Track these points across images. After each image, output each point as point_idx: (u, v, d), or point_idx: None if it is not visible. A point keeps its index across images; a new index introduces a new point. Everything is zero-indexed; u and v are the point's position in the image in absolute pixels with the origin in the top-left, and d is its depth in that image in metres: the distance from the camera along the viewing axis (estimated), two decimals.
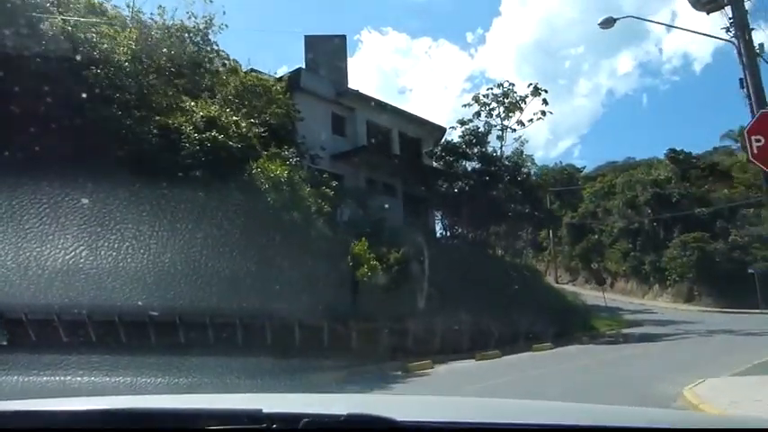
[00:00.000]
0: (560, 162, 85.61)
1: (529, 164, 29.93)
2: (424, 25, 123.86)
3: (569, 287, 53.92)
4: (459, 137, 28.44)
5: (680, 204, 47.49)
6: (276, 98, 21.71)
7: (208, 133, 14.19)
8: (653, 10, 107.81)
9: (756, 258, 40.43)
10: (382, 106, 30.79)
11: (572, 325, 26.92)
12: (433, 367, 14.99)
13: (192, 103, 15.53)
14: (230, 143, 14.52)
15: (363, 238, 17.92)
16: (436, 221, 33.18)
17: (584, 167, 72.42)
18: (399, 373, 14.40)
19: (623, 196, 52.23)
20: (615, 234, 53.22)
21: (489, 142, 29.05)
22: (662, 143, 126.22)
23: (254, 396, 2.58)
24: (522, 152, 29.81)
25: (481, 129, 28.58)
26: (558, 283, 54.67)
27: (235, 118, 16.28)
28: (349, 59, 32.26)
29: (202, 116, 14.79)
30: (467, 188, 26.73)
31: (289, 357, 12.62)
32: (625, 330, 27.66)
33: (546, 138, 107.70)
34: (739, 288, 39.62)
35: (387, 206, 28.06)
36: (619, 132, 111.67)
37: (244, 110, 18.32)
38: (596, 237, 56.55)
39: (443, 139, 29.06)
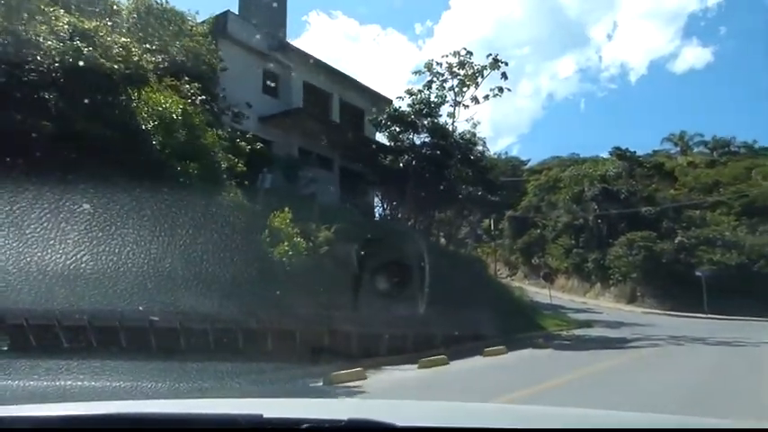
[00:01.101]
0: (505, 153, 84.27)
1: (481, 146, 26.79)
2: (373, 12, 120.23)
3: (510, 282, 51.95)
4: (409, 106, 24.99)
5: (627, 202, 45.93)
6: (191, 34, 17.59)
7: (71, 43, 10.11)
8: (595, 18, 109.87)
9: (702, 261, 39.10)
10: (323, 67, 26.97)
11: (520, 324, 24.20)
12: (365, 377, 11.51)
13: (61, 11, 11.31)
14: (106, 64, 10.49)
15: (287, 209, 14.21)
16: (377, 202, 29.74)
17: (528, 160, 70.86)
18: (320, 384, 10.84)
19: (570, 190, 50.40)
20: (559, 229, 51.39)
21: (441, 115, 25.75)
22: (603, 146, 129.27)
23: (254, 401, 2.74)
24: (474, 133, 26.70)
25: (434, 99, 25.18)
26: (496, 276, 52.57)
27: (124, 39, 12.22)
28: (295, 41, 28.18)
29: (69, 23, 10.66)
30: (413, 162, 23.35)
31: (174, 359, 8.95)
32: (577, 332, 25.11)
33: (487, 135, 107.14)
34: (684, 291, 38.18)
35: (319, 179, 24.53)
36: (558, 135, 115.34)
37: (140, 34, 14.17)
38: (539, 231, 54.72)
39: (390, 107, 25.48)
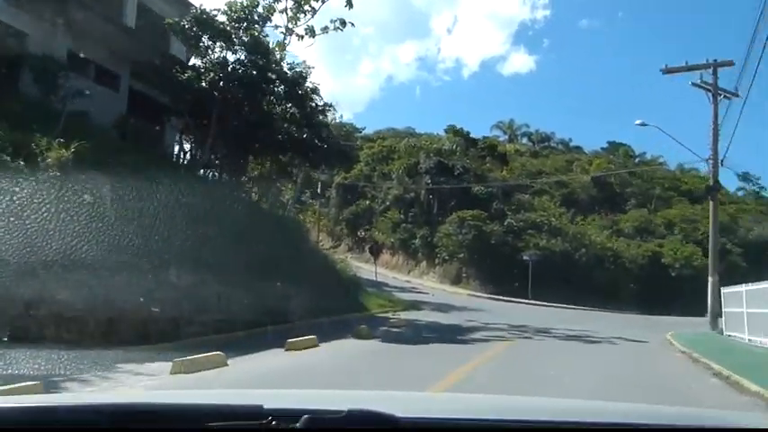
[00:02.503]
0: (340, 117, 79.91)
1: (311, 84, 21.42)
2: None
3: (339, 256, 47.76)
4: (223, 13, 18.87)
5: (461, 179, 43.75)
6: None
7: None
8: (438, 11, 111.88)
9: (529, 245, 37.91)
10: None
11: (341, 304, 19.79)
12: None
13: None
14: None
15: None
16: (176, 140, 23.36)
17: (363, 128, 67.13)
18: None
19: (404, 162, 47.25)
20: (388, 202, 48.19)
21: (267, 35, 20.05)
22: (438, 128, 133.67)
23: (254, 392, 2.78)
24: (307, 68, 21.31)
25: (260, 9, 19.37)
26: (319, 247, 48.18)
27: None
28: None
29: None
30: (221, 83, 17.52)
31: None
32: (404, 315, 21.20)
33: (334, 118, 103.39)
34: (510, 275, 36.70)
35: (96, 97, 17.95)
36: (393, 118, 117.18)
37: None
38: (368, 202, 51.23)
39: (198, 9, 19.12)
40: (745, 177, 73.22)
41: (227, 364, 9.06)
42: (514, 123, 74.75)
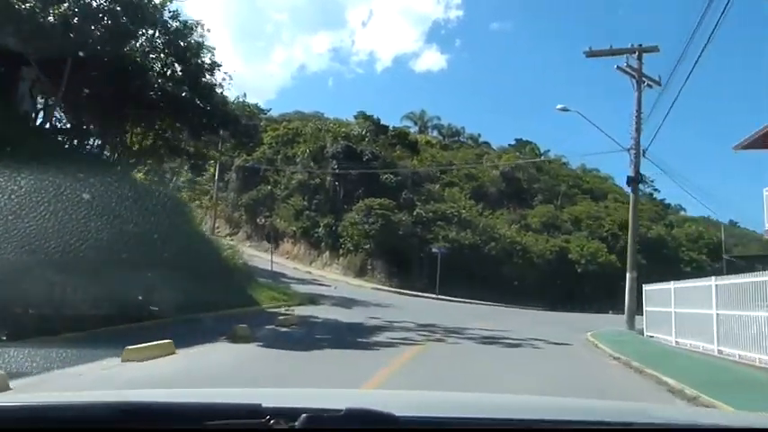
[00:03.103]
0: (243, 96, 75.44)
1: (198, 40, 18.03)
2: None
3: (228, 241, 44.04)
4: None
5: (369, 166, 41.34)
6: None
7: None
8: (352, 2, 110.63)
9: (438, 237, 36.17)
10: None
11: (225, 296, 16.85)
12: None
13: None
14: None
15: None
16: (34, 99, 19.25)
17: (269, 110, 63.29)
18: None
19: (310, 145, 44.23)
20: (292, 187, 45.04)
21: None
22: (347, 116, 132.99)
23: (252, 391, 2.71)
24: (197, 23, 17.95)
25: None
26: (214, 234, 44.27)
27: None
28: None
29: None
30: (75, 19, 13.93)
31: None
32: (300, 310, 18.45)
33: (229, 93, 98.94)
34: (417, 267, 34.84)
35: None
36: (305, 105, 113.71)
37: None
38: (269, 188, 47.78)
39: None
40: (640, 179, 75.99)
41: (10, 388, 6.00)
42: (426, 115, 73.43)
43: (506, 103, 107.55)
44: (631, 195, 20.03)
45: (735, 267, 50.11)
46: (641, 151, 19.70)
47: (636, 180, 19.65)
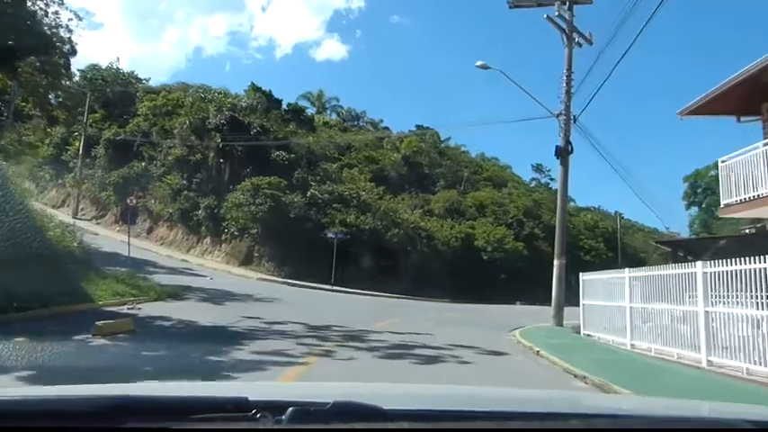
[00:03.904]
0: (116, 60, 67.76)
1: None
2: None
3: (92, 226, 37.73)
4: None
5: (259, 141, 36.67)
6: None
7: None
8: None
9: (335, 221, 32.31)
10: None
11: (48, 285, 12.23)
12: None
13: None
14: None
15: None
16: None
17: (148, 79, 56.47)
18: None
19: (190, 116, 38.73)
20: (169, 164, 39.41)
21: None
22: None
23: (239, 384, 2.81)
24: None
25: None
26: (76, 218, 37.84)
27: None
28: None
29: None
30: None
31: None
32: (151, 307, 13.93)
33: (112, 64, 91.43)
34: (311, 255, 30.77)
35: None
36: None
37: None
38: (144, 164, 41.76)
39: None
40: (538, 169, 76.41)
41: None
42: (324, 96, 69.19)
43: (407, 93, 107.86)
44: (560, 168, 17.05)
45: (628, 257, 50.42)
46: (572, 117, 16.80)
47: (565, 150, 16.73)
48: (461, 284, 32.83)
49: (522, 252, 37.68)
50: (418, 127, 70.87)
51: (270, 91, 46.65)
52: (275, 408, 1.39)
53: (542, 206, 47.44)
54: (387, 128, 74.33)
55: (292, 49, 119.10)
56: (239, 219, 32.46)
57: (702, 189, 40.54)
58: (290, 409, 1.37)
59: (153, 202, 39.60)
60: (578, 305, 14.51)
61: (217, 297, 17.57)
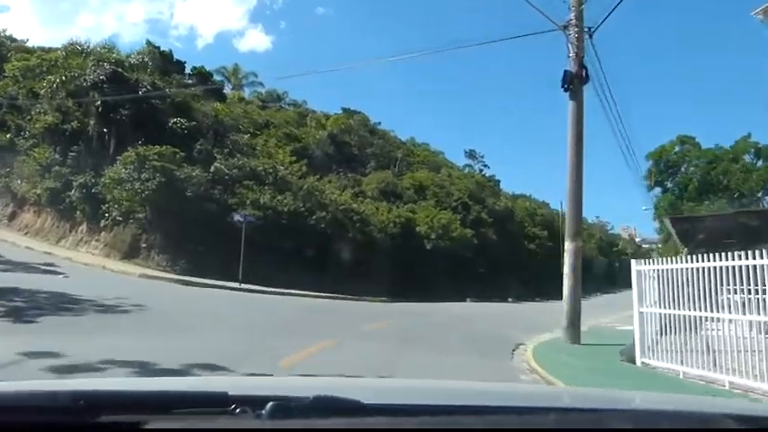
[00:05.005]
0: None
1: None
2: None
3: None
4: None
5: (153, 105, 29.55)
6: None
7: None
8: None
9: (245, 202, 25.87)
10: None
11: None
12: None
13: None
14: None
15: None
16: None
17: (26, 40, 47.51)
18: None
19: (62, 74, 30.94)
20: (39, 134, 31.57)
21: None
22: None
23: (218, 379, 2.78)
24: None
25: None
26: None
27: None
28: None
29: None
30: None
31: None
32: None
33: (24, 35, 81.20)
34: (215, 244, 24.23)
35: None
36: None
37: None
38: (8, 135, 33.67)
39: None
40: (471, 155, 72.15)
41: None
42: (240, 70, 61.86)
43: (332, 82, 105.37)
44: (570, 104, 11.42)
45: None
46: (585, 30, 11.28)
47: (578, 76, 11.20)
48: (402, 279, 27.23)
49: (471, 240, 32.53)
50: (344, 109, 64.87)
51: (170, 51, 39.44)
52: (255, 402, 1.36)
53: (485, 189, 42.67)
54: (312, 110, 68.12)
55: (214, 38, 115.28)
56: (122, 200, 25.40)
57: (667, 167, 36.79)
58: (270, 403, 1.34)
59: (18, 182, 31.74)
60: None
61: (37, 308, 11.00)
